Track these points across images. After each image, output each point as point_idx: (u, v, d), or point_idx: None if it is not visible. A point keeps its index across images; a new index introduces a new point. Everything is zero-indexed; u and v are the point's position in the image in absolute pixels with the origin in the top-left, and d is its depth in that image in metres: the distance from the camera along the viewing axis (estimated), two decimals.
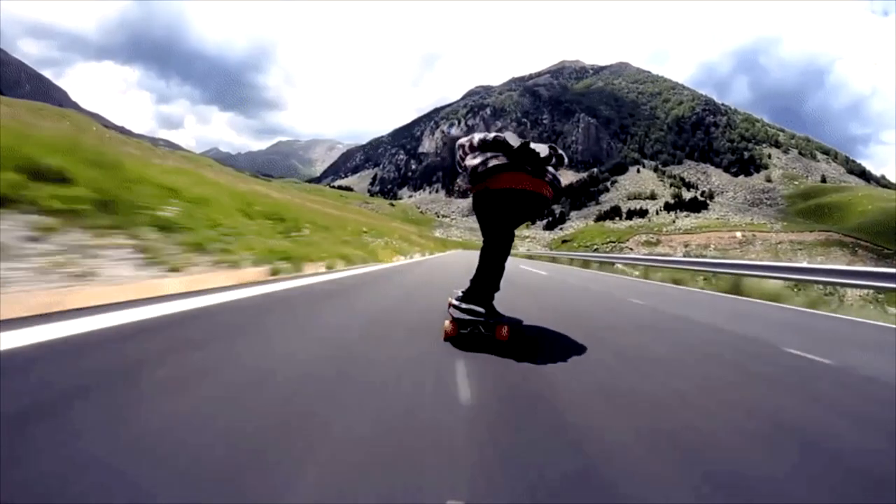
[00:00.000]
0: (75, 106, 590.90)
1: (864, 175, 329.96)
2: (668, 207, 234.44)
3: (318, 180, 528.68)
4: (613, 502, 1.05)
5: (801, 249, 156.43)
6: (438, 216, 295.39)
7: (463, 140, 2.89)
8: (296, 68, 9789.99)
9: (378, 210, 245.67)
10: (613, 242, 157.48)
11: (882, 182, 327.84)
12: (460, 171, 2.93)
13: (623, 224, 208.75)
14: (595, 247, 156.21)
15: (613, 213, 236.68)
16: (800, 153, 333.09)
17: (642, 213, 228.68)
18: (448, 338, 2.71)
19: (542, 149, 2.70)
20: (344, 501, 1.02)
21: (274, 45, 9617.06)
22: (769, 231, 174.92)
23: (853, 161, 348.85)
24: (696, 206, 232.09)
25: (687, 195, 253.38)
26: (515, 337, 2.80)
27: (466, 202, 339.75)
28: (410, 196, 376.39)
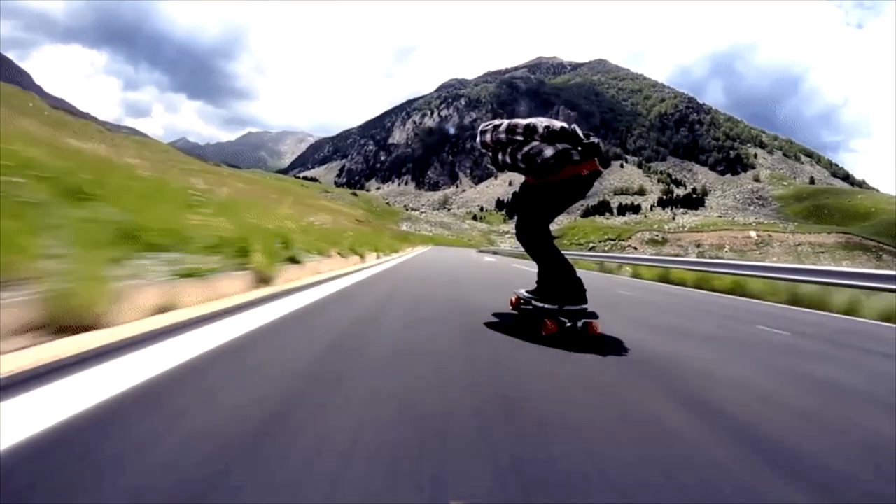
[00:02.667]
0: (38, 90, 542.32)
1: (847, 179, 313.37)
2: (661, 203, 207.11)
3: (285, 171, 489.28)
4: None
5: (822, 252, 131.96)
6: (407, 209, 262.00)
7: (506, 123, 2.68)
8: (268, 57, 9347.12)
9: (339, 199, 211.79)
10: (612, 240, 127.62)
11: (866, 187, 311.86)
12: (499, 154, 2.73)
13: (617, 220, 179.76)
14: (591, 245, 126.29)
15: (602, 207, 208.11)
16: (784, 154, 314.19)
17: (635, 208, 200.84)
18: (549, 334, 2.41)
19: (595, 139, 2.64)
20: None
21: (245, 30, 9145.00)
22: (784, 232, 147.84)
23: (836, 165, 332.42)
24: (693, 202, 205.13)
25: (677, 192, 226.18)
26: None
27: (437, 195, 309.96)
28: (378, 188, 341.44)
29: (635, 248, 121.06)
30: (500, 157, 2.72)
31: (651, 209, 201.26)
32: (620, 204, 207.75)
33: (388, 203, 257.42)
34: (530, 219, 2.71)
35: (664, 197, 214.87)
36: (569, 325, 2.47)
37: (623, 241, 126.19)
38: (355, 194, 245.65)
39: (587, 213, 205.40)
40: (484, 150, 2.84)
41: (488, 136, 2.72)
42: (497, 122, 2.73)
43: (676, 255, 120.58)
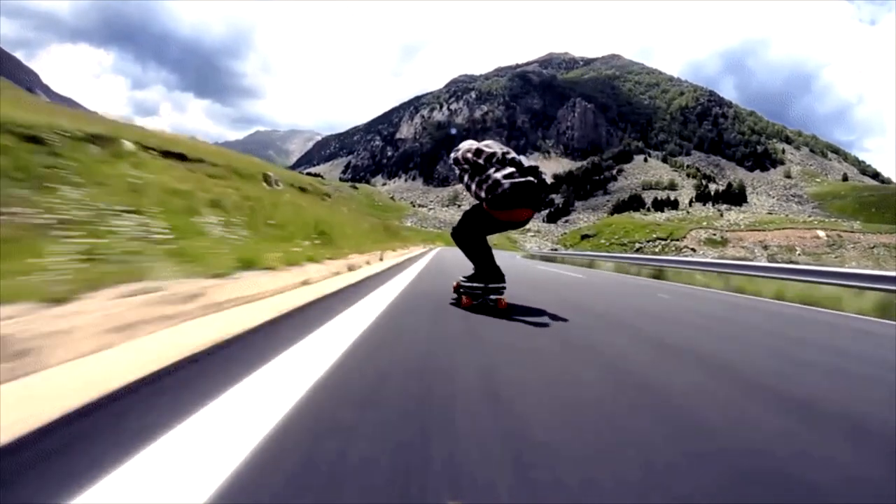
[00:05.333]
0: (46, 89, 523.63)
1: (876, 177, 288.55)
2: (700, 199, 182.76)
3: (291, 169, 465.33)
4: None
5: None
6: (414, 205, 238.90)
7: (475, 147, 3.37)
8: (274, 55, 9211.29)
9: (336, 195, 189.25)
10: (663, 240, 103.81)
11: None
12: (464, 176, 3.49)
13: (658, 216, 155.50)
14: (638, 245, 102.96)
15: (635, 202, 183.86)
16: (811, 151, 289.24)
17: (673, 204, 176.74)
18: (464, 306, 3.32)
19: (548, 177, 3.48)
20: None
21: (251, 29, 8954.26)
22: (852, 231, 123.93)
23: (864, 162, 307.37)
24: (735, 198, 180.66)
25: (713, 186, 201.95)
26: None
27: (447, 191, 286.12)
28: (384, 184, 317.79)
29: (693, 250, 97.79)
30: (465, 178, 3.46)
31: (690, 204, 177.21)
32: (656, 199, 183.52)
33: (392, 198, 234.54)
34: (471, 231, 3.53)
35: (701, 192, 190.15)
36: (481, 301, 3.43)
37: (677, 240, 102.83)
38: (355, 187, 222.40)
39: (618, 208, 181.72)
40: (455, 167, 3.52)
41: (459, 154, 3.40)
42: (467, 144, 3.42)
43: (744, 259, 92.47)
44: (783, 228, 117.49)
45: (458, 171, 3.52)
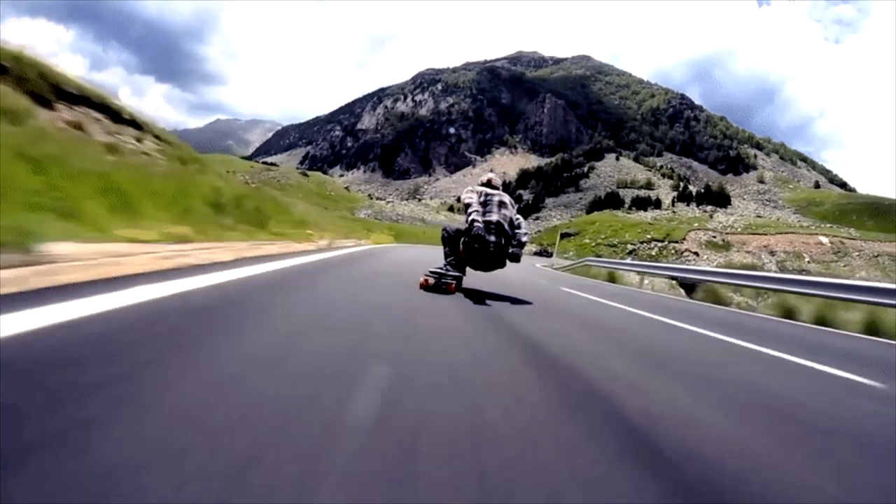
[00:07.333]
0: None
1: (844, 186, 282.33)
2: (682, 199, 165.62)
3: (248, 159, 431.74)
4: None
5: None
6: (372, 198, 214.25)
7: (464, 194, 4.74)
8: (240, 40, 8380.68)
9: (283, 181, 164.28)
10: (659, 241, 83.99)
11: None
12: (469, 208, 4.55)
13: (644, 215, 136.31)
14: (631, 247, 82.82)
15: (614, 200, 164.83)
16: (781, 158, 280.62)
17: (656, 203, 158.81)
18: (424, 287, 4.17)
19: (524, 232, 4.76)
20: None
21: (217, 10, 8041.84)
22: (852, 239, 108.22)
23: (831, 171, 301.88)
24: (719, 199, 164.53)
25: (691, 188, 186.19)
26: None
27: (406, 185, 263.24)
28: (342, 175, 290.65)
29: (696, 254, 78.20)
30: (470, 205, 4.48)
31: (673, 204, 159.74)
32: (637, 197, 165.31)
33: (346, 188, 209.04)
34: (457, 239, 4.57)
35: (682, 192, 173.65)
36: (434, 282, 4.15)
37: (675, 242, 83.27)
38: (306, 174, 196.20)
39: (595, 205, 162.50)
40: (468, 200, 4.58)
41: (474, 196, 4.57)
42: (478, 192, 4.62)
43: (753, 266, 76.03)
44: (785, 233, 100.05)
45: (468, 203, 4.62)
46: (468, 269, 4.61)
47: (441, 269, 4.29)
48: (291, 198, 65.18)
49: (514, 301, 4.43)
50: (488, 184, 4.76)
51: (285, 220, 12.11)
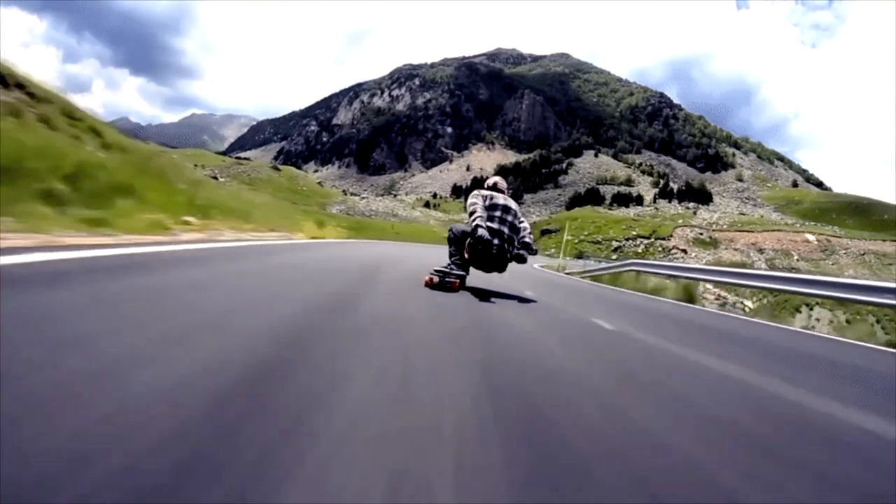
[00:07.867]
0: None
1: (820, 186, 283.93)
2: (663, 196, 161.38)
3: (223, 154, 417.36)
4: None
5: (891, 264, 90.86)
6: (346, 193, 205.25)
7: (488, 200, 4.59)
8: (216, 34, 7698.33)
9: (254, 175, 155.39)
10: (645, 238, 78.36)
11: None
12: (475, 210, 4.47)
13: (626, 212, 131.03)
14: (616, 244, 76.91)
15: (594, 196, 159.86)
16: (758, 157, 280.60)
17: (637, 199, 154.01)
18: (429, 285, 4.16)
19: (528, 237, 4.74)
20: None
21: (194, 2, 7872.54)
22: (839, 237, 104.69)
23: (807, 171, 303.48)
24: (701, 196, 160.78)
25: (672, 185, 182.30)
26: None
27: (382, 180, 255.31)
28: (316, 171, 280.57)
29: (685, 252, 72.66)
30: (475, 211, 4.40)
31: (655, 201, 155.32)
32: (618, 194, 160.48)
33: (320, 184, 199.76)
34: (459, 241, 4.54)
35: (663, 189, 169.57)
36: (439, 281, 4.16)
37: (662, 239, 77.71)
38: (277, 169, 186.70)
39: (575, 202, 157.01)
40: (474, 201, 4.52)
41: (479, 201, 4.48)
42: (483, 195, 4.59)
43: (744, 264, 70.68)
44: (771, 230, 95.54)
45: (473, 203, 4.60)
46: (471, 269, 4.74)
47: (445, 267, 4.35)
48: (262, 192, 57.01)
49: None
50: (494, 187, 4.87)
51: (174, 202, 7.50)
